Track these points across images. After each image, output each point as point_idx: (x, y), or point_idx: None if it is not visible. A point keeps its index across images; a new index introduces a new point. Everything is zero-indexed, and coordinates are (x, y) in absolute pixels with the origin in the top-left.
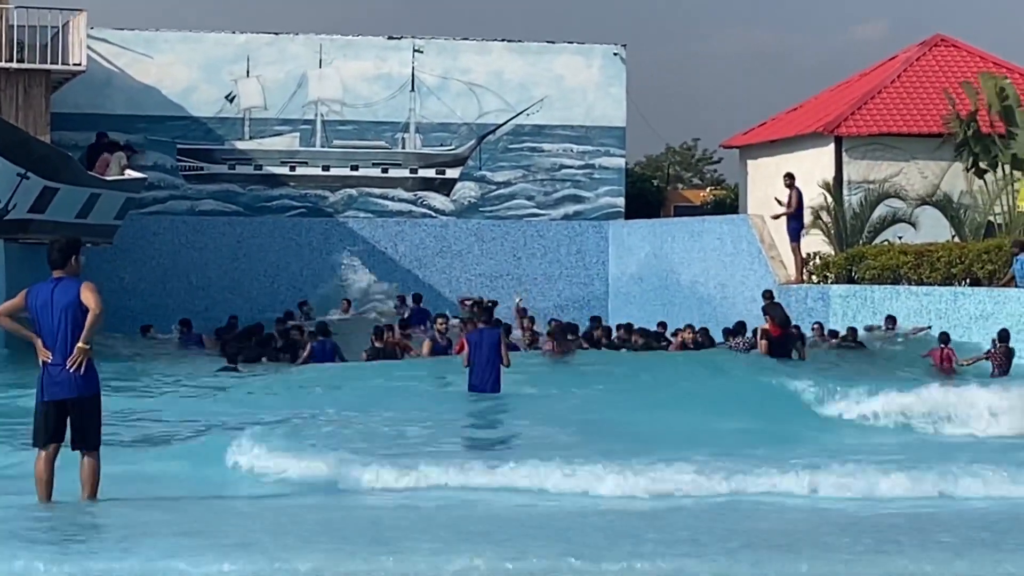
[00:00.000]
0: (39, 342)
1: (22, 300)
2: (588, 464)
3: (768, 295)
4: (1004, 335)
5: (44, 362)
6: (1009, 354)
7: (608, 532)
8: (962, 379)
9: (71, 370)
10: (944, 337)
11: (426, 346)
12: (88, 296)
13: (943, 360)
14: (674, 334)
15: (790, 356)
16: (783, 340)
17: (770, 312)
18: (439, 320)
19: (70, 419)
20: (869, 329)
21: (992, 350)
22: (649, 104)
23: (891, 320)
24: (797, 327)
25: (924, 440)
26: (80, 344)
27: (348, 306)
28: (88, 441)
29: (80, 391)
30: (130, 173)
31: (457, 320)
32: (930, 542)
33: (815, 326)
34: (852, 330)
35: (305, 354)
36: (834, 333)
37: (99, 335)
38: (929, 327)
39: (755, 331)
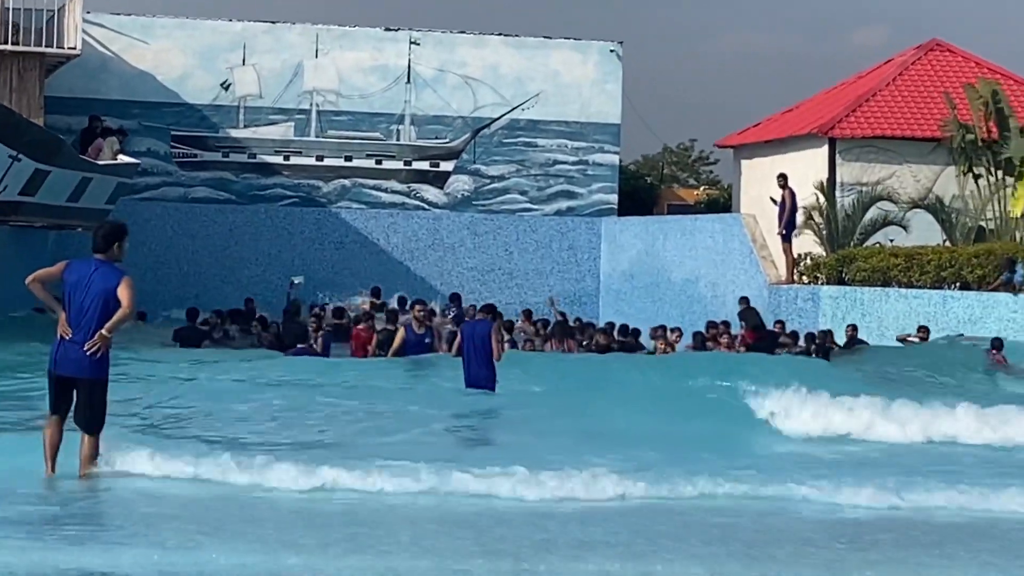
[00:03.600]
0: (63, 317)
1: (59, 271)
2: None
3: (743, 301)
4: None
5: (62, 336)
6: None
7: None
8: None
9: (87, 352)
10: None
11: (398, 337)
12: (124, 292)
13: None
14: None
15: None
16: (760, 346)
17: (744, 318)
18: (417, 307)
19: (76, 397)
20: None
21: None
22: (647, 104)
23: (924, 330)
24: (781, 323)
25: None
26: (103, 332)
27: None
28: (91, 424)
29: (90, 373)
30: (123, 158)
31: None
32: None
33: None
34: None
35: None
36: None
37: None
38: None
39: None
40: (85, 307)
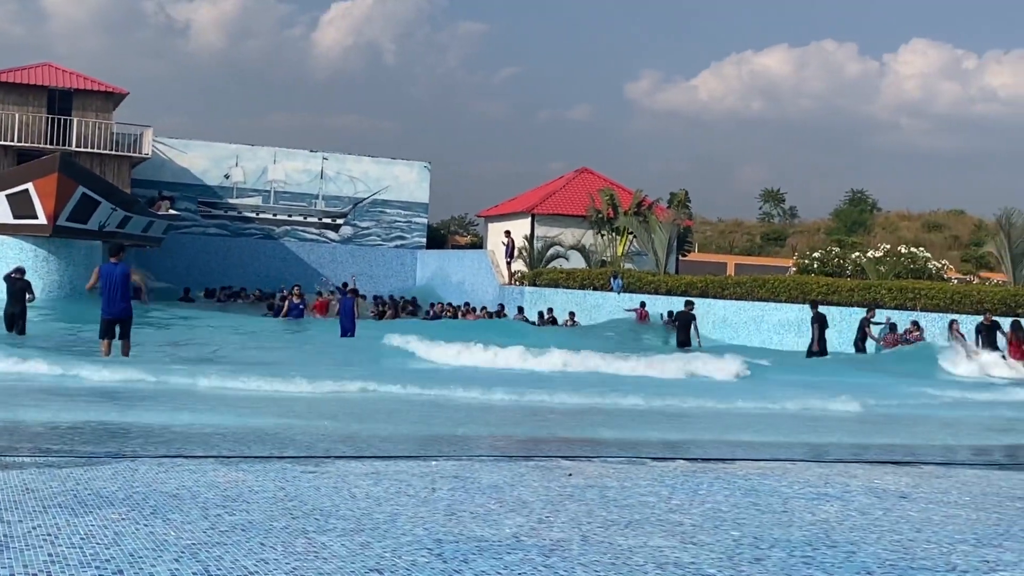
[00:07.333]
0: (105, 293)
1: (97, 272)
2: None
3: (484, 308)
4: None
5: (109, 300)
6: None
7: None
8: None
9: (121, 303)
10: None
11: (286, 305)
12: (134, 276)
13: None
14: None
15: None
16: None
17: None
18: (295, 288)
19: (118, 327)
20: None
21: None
22: (445, 191)
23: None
24: (501, 305)
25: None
26: (140, 289)
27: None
28: (125, 336)
29: (124, 314)
30: (171, 212)
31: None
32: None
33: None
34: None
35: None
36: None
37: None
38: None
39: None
40: (114, 284)
